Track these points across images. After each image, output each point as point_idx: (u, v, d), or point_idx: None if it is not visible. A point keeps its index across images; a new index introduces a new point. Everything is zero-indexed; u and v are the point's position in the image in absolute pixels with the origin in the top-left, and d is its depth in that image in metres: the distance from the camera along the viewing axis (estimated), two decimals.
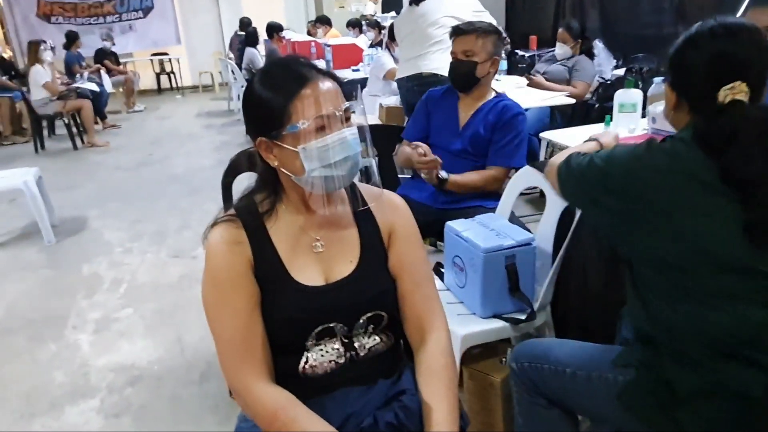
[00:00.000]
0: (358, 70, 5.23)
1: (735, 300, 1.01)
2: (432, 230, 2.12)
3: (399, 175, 2.72)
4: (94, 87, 6.55)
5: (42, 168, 5.23)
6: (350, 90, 5.01)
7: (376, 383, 1.04)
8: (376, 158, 2.73)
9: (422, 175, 2.12)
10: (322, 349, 1.03)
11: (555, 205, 1.73)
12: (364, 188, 1.13)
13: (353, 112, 1.00)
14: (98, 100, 6.88)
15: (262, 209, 1.04)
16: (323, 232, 1.07)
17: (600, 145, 1.44)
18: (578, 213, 1.65)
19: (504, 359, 1.64)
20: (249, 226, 1.02)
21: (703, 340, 1.03)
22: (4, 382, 2.24)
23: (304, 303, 1.01)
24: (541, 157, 3.66)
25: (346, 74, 5.19)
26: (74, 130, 6.36)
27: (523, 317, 1.59)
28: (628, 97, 2.00)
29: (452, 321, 1.61)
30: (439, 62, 3.27)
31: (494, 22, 3.34)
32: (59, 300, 2.90)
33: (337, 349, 1.04)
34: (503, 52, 3.95)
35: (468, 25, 2.15)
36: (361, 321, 1.04)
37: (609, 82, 4.05)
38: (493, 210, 1.99)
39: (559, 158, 1.29)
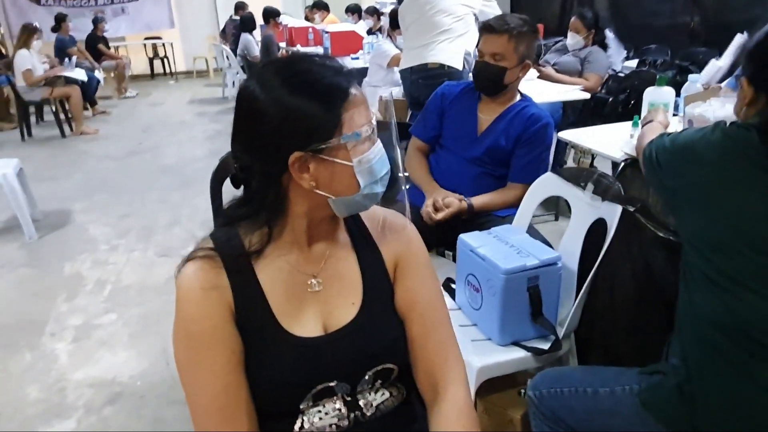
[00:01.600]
0: (357, 58, 5.01)
1: None
2: (441, 239, 1.95)
3: (400, 174, 2.53)
4: (82, 75, 6.26)
5: (27, 157, 5.08)
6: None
7: None
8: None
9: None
10: (320, 411, 0.85)
11: (582, 216, 1.55)
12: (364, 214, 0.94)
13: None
14: (88, 86, 6.62)
15: (249, 244, 0.85)
16: (320, 266, 0.89)
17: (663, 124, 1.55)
18: (613, 226, 1.48)
19: (523, 390, 1.47)
20: (230, 264, 0.83)
21: (740, 333, 0.98)
22: None
23: (298, 360, 0.83)
24: (568, 160, 3.49)
25: (344, 62, 4.98)
26: (62, 117, 6.13)
27: (546, 346, 1.42)
28: (659, 95, 1.81)
29: (465, 348, 1.43)
30: (447, 53, 3.07)
31: (499, 11, 3.14)
32: (38, 303, 2.71)
33: (339, 409, 0.86)
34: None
35: (501, 24, 1.86)
36: (367, 377, 0.87)
37: (621, 74, 3.86)
38: (506, 219, 1.81)
39: (643, 140, 1.34)
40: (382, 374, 0.88)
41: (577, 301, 1.44)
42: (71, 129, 6.18)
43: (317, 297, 0.87)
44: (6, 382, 2.14)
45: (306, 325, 0.85)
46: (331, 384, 0.84)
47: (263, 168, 0.81)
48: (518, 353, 1.42)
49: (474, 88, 2.00)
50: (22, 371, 2.20)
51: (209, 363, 0.80)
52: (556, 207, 3.30)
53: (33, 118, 6.45)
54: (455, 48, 3.06)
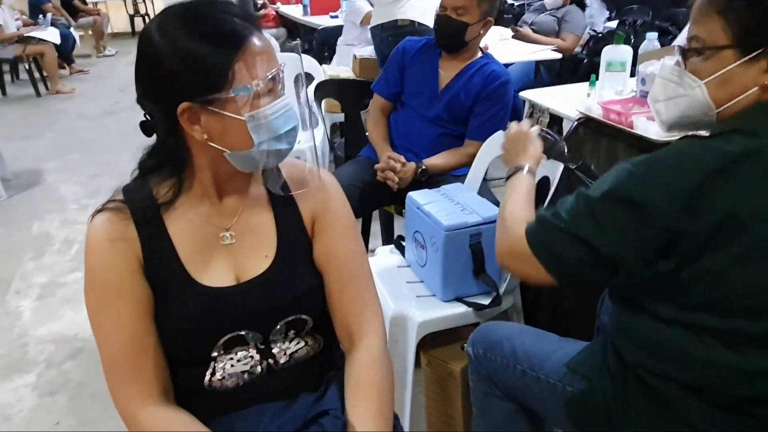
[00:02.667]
0: (336, 16, 4.89)
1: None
2: (397, 197, 1.95)
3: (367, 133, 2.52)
4: (55, 37, 6.05)
5: (1, 116, 4.99)
6: (326, 38, 4.70)
7: (297, 397, 0.88)
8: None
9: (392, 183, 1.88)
10: (232, 358, 0.86)
11: None
12: (284, 164, 0.93)
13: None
14: (64, 45, 6.44)
15: (159, 196, 0.84)
16: (233, 220, 0.88)
17: (534, 163, 1.19)
18: (555, 183, 1.48)
19: (465, 345, 1.50)
20: (139, 216, 0.83)
21: (712, 384, 0.86)
22: None
23: (206, 309, 0.83)
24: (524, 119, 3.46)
25: (323, 21, 4.87)
26: (37, 75, 5.99)
27: (487, 302, 1.44)
28: (616, 54, 1.79)
29: (410, 304, 1.47)
30: (418, 9, 2.99)
31: None
32: (4, 262, 2.71)
33: (251, 357, 0.87)
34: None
35: None
36: (279, 327, 0.88)
37: (600, 35, 3.81)
38: (461, 178, 1.81)
39: (511, 228, 0.99)
40: (294, 324, 0.89)
41: None
42: (47, 88, 6.05)
43: (229, 249, 0.87)
44: None
45: (215, 275, 0.85)
46: (242, 333, 0.85)
47: (161, 116, 0.79)
48: (460, 308, 1.44)
49: (434, 43, 1.97)
50: None
51: (115, 313, 0.80)
52: None
53: (8, 77, 6.31)
54: (427, 4, 2.99)
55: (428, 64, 1.98)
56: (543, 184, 1.47)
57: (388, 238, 2.43)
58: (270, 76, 0.78)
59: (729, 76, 0.85)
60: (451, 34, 1.89)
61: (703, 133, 0.91)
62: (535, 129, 1.26)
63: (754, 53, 0.82)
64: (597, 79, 1.85)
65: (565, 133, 1.85)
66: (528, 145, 1.22)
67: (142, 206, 0.83)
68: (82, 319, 2.23)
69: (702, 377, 0.87)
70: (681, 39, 2.21)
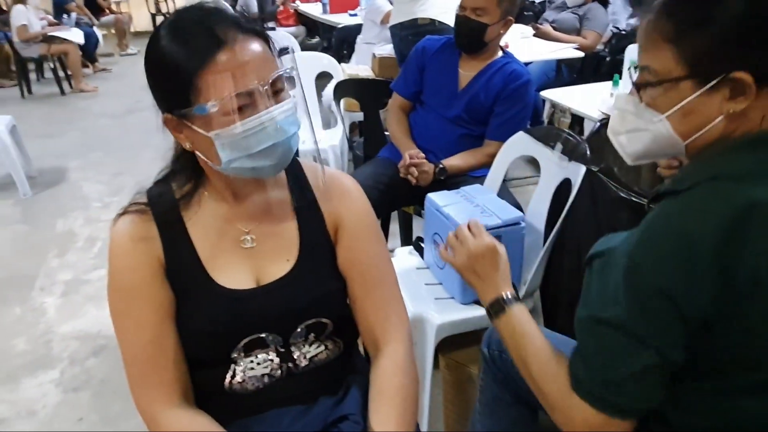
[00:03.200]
0: (355, 14, 4.89)
1: None
2: (416, 197, 1.94)
3: (386, 132, 2.51)
4: (78, 38, 6.14)
5: (26, 114, 5.09)
6: (345, 36, 4.70)
7: (316, 402, 0.88)
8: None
9: (413, 178, 1.86)
10: (252, 361, 0.86)
11: (550, 176, 1.53)
12: (309, 168, 0.93)
13: (289, 76, 0.79)
14: (87, 43, 6.55)
15: (179, 198, 0.85)
16: (255, 224, 0.88)
17: (509, 283, 1.00)
18: (576, 186, 1.46)
19: None
20: (161, 218, 0.84)
21: None
22: None
23: (226, 311, 0.84)
24: (545, 119, 3.43)
25: (342, 19, 4.87)
26: (61, 74, 6.09)
27: None
28: None
29: (429, 306, 1.47)
30: (439, 8, 2.97)
31: None
32: (30, 258, 2.76)
33: (271, 360, 0.87)
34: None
35: None
36: (299, 330, 0.88)
37: (623, 32, 3.74)
38: (480, 179, 1.79)
39: (562, 403, 0.80)
40: (314, 328, 0.89)
41: (538, 260, 1.44)
42: (71, 86, 6.16)
43: (250, 253, 0.87)
44: None
45: (235, 277, 0.86)
46: (262, 335, 0.85)
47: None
48: (479, 311, 1.43)
49: (454, 43, 1.95)
50: (10, 323, 2.26)
51: (136, 314, 0.81)
52: None
53: (33, 75, 6.43)
54: (447, 3, 2.96)
55: (448, 64, 1.97)
56: (564, 186, 1.46)
57: (406, 238, 2.42)
58: (244, 92, 0.73)
59: (690, 108, 0.76)
60: (470, 35, 1.87)
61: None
62: (488, 239, 1.00)
63: (714, 81, 0.73)
64: (621, 78, 1.81)
65: (586, 134, 1.83)
66: (497, 260, 0.98)
67: (164, 208, 0.84)
68: (105, 317, 2.25)
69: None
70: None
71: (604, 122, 1.68)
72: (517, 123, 1.87)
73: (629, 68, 1.77)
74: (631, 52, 1.83)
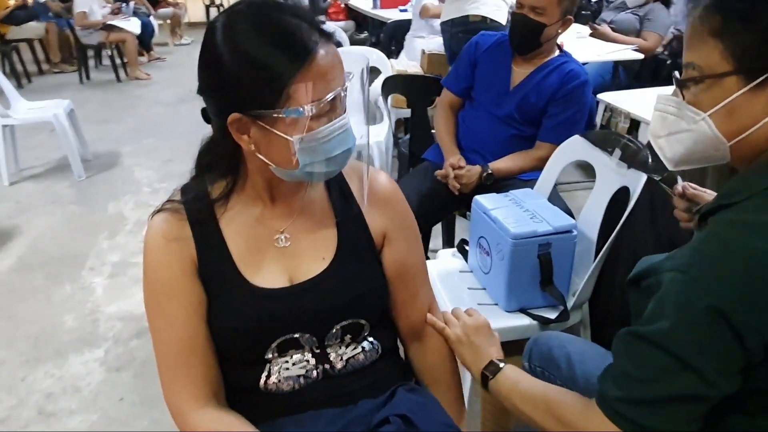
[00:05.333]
0: (405, 10, 4.85)
1: None
2: (462, 200, 1.90)
3: (433, 131, 2.48)
4: (135, 28, 6.33)
5: (84, 99, 5.29)
6: (394, 32, 4.67)
7: (356, 404, 0.86)
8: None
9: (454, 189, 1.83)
10: (287, 361, 0.85)
11: (607, 183, 1.46)
12: (346, 169, 0.91)
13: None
14: (144, 33, 6.75)
15: (213, 195, 0.84)
16: (289, 223, 0.87)
17: (499, 349, 0.99)
18: (635, 195, 1.39)
19: None
20: (194, 216, 0.83)
21: None
22: (16, 322, 2.22)
23: (258, 310, 0.83)
24: (597, 123, 3.31)
25: (392, 14, 4.84)
26: (118, 61, 6.30)
27: (553, 316, 1.38)
28: None
29: None
30: (490, 5, 2.92)
31: None
32: (81, 239, 2.86)
33: (307, 360, 0.86)
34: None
35: None
36: (334, 330, 0.86)
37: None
38: (530, 182, 1.74)
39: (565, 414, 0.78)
40: (351, 329, 0.87)
41: (589, 271, 1.38)
42: (126, 74, 6.36)
43: (284, 252, 0.86)
44: (47, 309, 2.29)
45: (269, 276, 0.84)
46: (296, 335, 0.84)
47: (215, 116, 0.78)
48: (523, 320, 1.38)
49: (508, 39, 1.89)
50: (61, 300, 2.35)
51: (167, 312, 0.81)
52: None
53: (92, 62, 6.67)
54: (499, 0, 2.90)
55: (501, 60, 1.91)
56: (621, 196, 1.39)
57: (449, 239, 2.39)
58: (330, 98, 0.73)
59: (735, 105, 0.72)
60: (525, 34, 1.79)
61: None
62: (482, 317, 1.02)
63: (761, 78, 0.70)
64: None
65: (647, 141, 1.74)
66: (490, 334, 0.99)
67: (197, 206, 0.83)
68: None
69: None
70: None
71: None
72: (572, 125, 1.79)
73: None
74: None
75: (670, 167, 0.85)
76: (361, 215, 0.90)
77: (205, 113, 0.82)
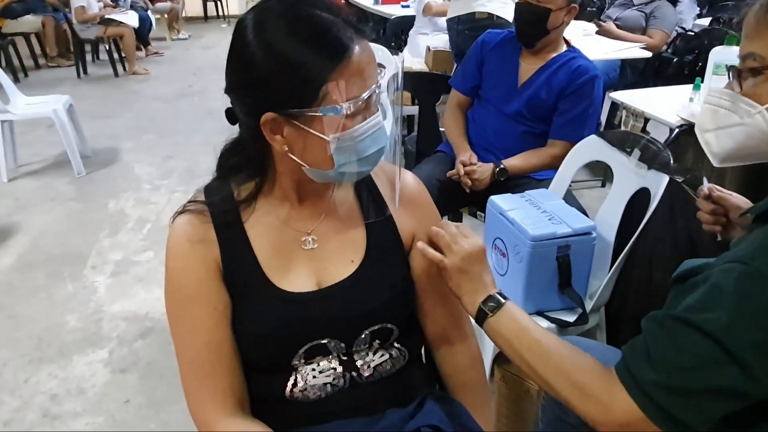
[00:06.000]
0: (407, 6, 4.81)
1: None
2: (473, 199, 1.88)
3: (442, 129, 2.45)
4: (133, 21, 6.26)
5: (82, 95, 5.22)
6: (397, 28, 4.63)
7: (384, 414, 0.84)
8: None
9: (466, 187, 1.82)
10: (314, 369, 0.82)
11: (625, 184, 1.44)
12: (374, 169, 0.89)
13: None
14: (141, 27, 6.68)
15: (239, 197, 0.82)
16: (317, 224, 0.84)
17: (494, 282, 0.88)
18: (657, 198, 1.36)
19: None
20: (219, 218, 0.80)
21: None
22: (19, 321, 2.18)
23: (285, 315, 0.80)
24: (603, 121, 3.29)
25: (394, 10, 4.80)
26: (116, 56, 6.23)
27: (572, 319, 1.35)
28: (727, 56, 1.64)
29: None
30: (497, 2, 2.89)
31: None
32: (83, 236, 2.82)
33: (334, 368, 0.83)
34: None
35: None
36: (363, 336, 0.83)
37: (690, 33, 3.56)
38: (543, 182, 1.71)
39: (598, 402, 0.72)
40: (380, 334, 0.84)
41: (609, 274, 1.36)
42: (124, 69, 6.29)
43: (312, 254, 0.84)
44: (49, 309, 2.26)
45: (296, 280, 0.82)
46: (323, 341, 0.81)
47: (245, 117, 0.76)
48: (541, 323, 1.35)
49: (515, 36, 1.87)
50: (64, 300, 2.31)
51: (191, 318, 0.79)
52: (604, 173, 3.13)
53: (90, 57, 6.60)
54: None
55: (508, 57, 1.88)
56: (641, 198, 1.37)
57: None
58: (367, 95, 0.71)
59: None
60: (531, 21, 1.76)
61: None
62: (479, 239, 0.87)
63: None
64: (702, 81, 1.70)
65: (665, 140, 1.72)
66: (486, 262, 0.87)
67: (223, 208, 0.81)
68: (153, 299, 2.29)
69: None
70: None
71: (684, 128, 1.57)
72: (584, 121, 1.77)
73: (725, 67, 1.66)
74: (716, 54, 1.71)
75: (715, 163, 0.84)
76: (390, 216, 0.87)
77: (230, 114, 0.79)
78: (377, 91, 0.73)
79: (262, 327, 0.80)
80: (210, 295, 0.79)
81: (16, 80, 5.80)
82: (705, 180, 1.07)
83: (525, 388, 1.39)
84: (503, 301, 0.83)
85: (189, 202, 0.82)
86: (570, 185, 1.68)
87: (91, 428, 1.70)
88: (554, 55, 1.82)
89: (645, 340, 0.71)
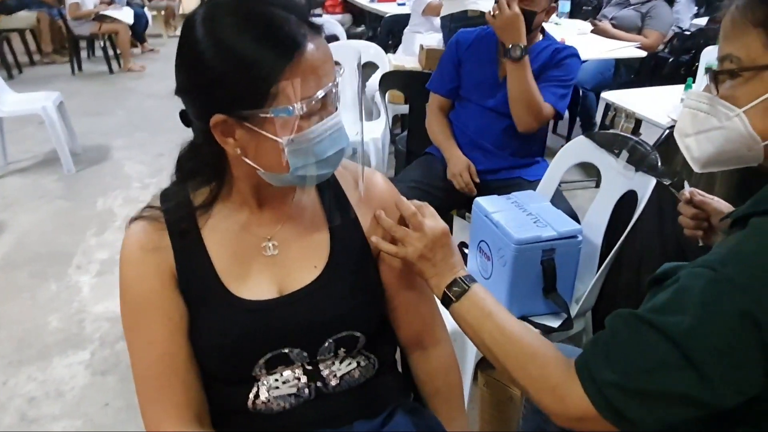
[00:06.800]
0: (403, 4, 4.77)
1: None
2: (463, 201, 1.84)
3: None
4: (128, 18, 6.21)
5: (75, 91, 5.18)
6: (392, 26, 4.60)
7: (352, 426, 0.80)
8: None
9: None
10: (277, 380, 0.79)
11: (612, 186, 1.41)
12: (339, 170, 0.85)
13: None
14: (137, 24, 6.63)
15: (195, 202, 0.78)
16: (278, 229, 0.81)
17: (463, 266, 0.85)
18: (643, 200, 1.34)
19: None
20: (174, 225, 0.77)
21: None
22: (0, 323, 2.15)
23: (243, 324, 0.76)
24: (598, 122, 3.25)
25: (390, 8, 4.77)
26: (111, 53, 6.19)
27: (556, 324, 1.32)
28: None
29: None
30: (489, 0, 2.86)
31: None
32: (69, 235, 2.78)
33: (298, 378, 0.80)
34: None
35: None
36: (327, 344, 0.80)
37: (687, 33, 3.53)
38: (535, 183, 1.68)
39: (556, 388, 0.70)
40: (345, 342, 0.81)
41: (595, 278, 1.33)
42: (119, 65, 6.25)
43: (273, 261, 0.80)
44: (32, 309, 2.22)
45: (256, 288, 0.78)
46: (285, 350, 0.78)
47: (196, 119, 0.72)
48: None
49: (491, 32, 1.84)
50: (47, 300, 2.27)
51: (145, 329, 0.75)
52: (598, 173, 3.09)
53: (85, 53, 6.56)
54: None
55: (486, 54, 1.87)
56: (629, 200, 1.33)
57: None
58: (321, 95, 0.68)
59: None
60: None
61: None
62: (441, 221, 0.83)
63: None
64: (693, 82, 1.66)
65: (652, 142, 1.69)
66: (450, 244, 0.83)
67: (178, 214, 0.77)
68: None
69: None
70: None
71: (674, 129, 1.54)
72: (562, 91, 1.77)
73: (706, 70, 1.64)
74: (708, 54, 1.68)
75: (696, 168, 0.80)
76: (356, 219, 0.84)
77: (184, 116, 0.75)
78: (334, 90, 0.70)
79: (219, 337, 0.76)
80: (164, 305, 0.75)
81: (9, 77, 5.77)
82: (686, 184, 1.04)
83: (508, 394, 1.35)
84: (467, 286, 0.79)
85: (145, 207, 0.79)
86: (560, 185, 1.66)
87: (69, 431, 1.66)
88: (532, 44, 1.82)
89: (607, 337, 0.69)
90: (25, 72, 6.11)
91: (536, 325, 1.32)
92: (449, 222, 2.25)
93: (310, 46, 0.66)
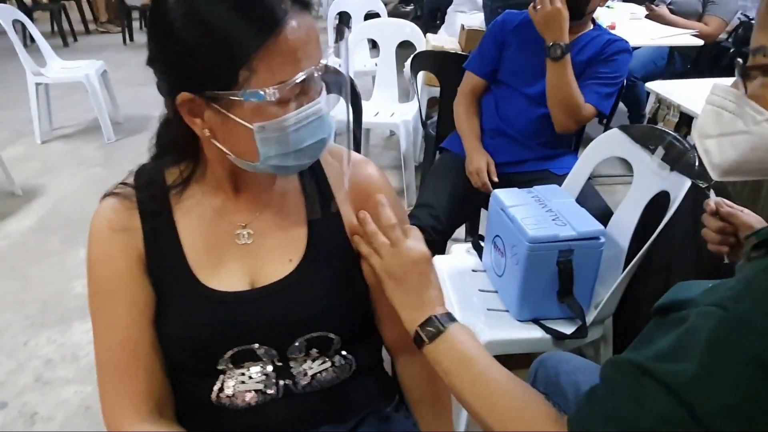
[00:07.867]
0: None
1: None
2: (485, 196, 1.75)
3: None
4: None
5: (124, 61, 5.28)
6: (437, 5, 4.45)
7: (318, 430, 0.75)
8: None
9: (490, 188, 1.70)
10: (244, 374, 0.74)
11: (644, 185, 1.30)
12: (326, 156, 0.79)
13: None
14: None
15: (170, 181, 0.73)
16: (254, 217, 0.76)
17: (443, 302, 0.75)
18: (676, 202, 1.22)
19: None
20: (145, 205, 0.72)
21: None
22: (27, 284, 2.21)
23: (210, 316, 0.72)
24: (647, 113, 3.06)
25: None
26: None
27: (570, 330, 1.23)
28: None
29: (479, 317, 1.30)
30: None
31: None
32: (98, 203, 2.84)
33: (266, 374, 0.75)
34: None
35: None
36: (297, 344, 0.74)
37: (753, 21, 3.26)
38: (562, 178, 1.57)
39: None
40: (317, 343, 0.75)
41: (616, 284, 1.23)
42: None
43: (246, 250, 0.75)
44: (59, 274, 2.28)
45: (227, 278, 0.73)
46: (252, 346, 0.73)
47: (165, 93, 0.66)
48: (536, 333, 1.25)
49: None
50: (74, 265, 2.33)
51: (109, 313, 0.72)
52: None
53: (138, 24, 6.68)
54: None
55: (531, 38, 1.74)
56: (660, 201, 1.22)
57: (472, 229, 2.24)
58: (299, 79, 0.61)
59: None
60: (570, 6, 1.63)
61: None
62: (425, 246, 0.74)
63: None
64: None
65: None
66: (430, 273, 0.74)
67: (150, 194, 0.73)
68: None
69: None
70: None
71: None
72: (607, 90, 1.64)
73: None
74: None
75: (715, 176, 0.70)
76: (337, 213, 0.78)
77: (159, 87, 0.70)
78: (316, 74, 0.63)
79: (184, 328, 0.72)
80: (130, 288, 0.72)
81: (65, 44, 5.95)
82: (712, 193, 0.92)
83: None
84: (443, 327, 0.70)
85: (119, 183, 0.75)
86: (594, 179, 1.55)
87: (79, 397, 1.69)
88: (580, 33, 1.72)
89: (603, 392, 0.59)
90: (79, 40, 6.29)
91: (547, 330, 1.23)
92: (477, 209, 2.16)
93: (292, 24, 0.59)
